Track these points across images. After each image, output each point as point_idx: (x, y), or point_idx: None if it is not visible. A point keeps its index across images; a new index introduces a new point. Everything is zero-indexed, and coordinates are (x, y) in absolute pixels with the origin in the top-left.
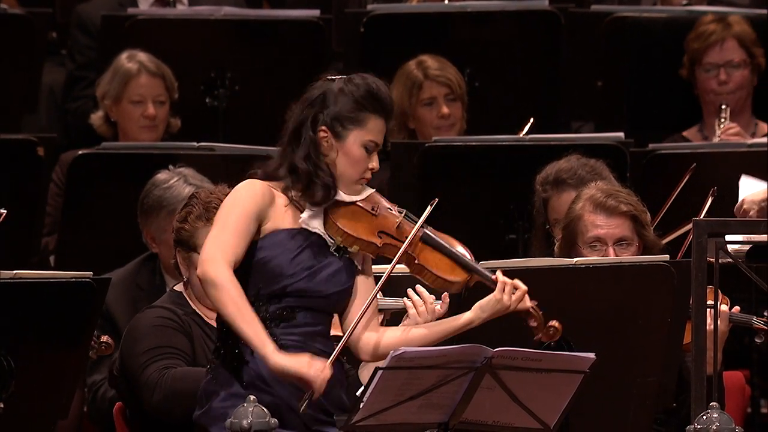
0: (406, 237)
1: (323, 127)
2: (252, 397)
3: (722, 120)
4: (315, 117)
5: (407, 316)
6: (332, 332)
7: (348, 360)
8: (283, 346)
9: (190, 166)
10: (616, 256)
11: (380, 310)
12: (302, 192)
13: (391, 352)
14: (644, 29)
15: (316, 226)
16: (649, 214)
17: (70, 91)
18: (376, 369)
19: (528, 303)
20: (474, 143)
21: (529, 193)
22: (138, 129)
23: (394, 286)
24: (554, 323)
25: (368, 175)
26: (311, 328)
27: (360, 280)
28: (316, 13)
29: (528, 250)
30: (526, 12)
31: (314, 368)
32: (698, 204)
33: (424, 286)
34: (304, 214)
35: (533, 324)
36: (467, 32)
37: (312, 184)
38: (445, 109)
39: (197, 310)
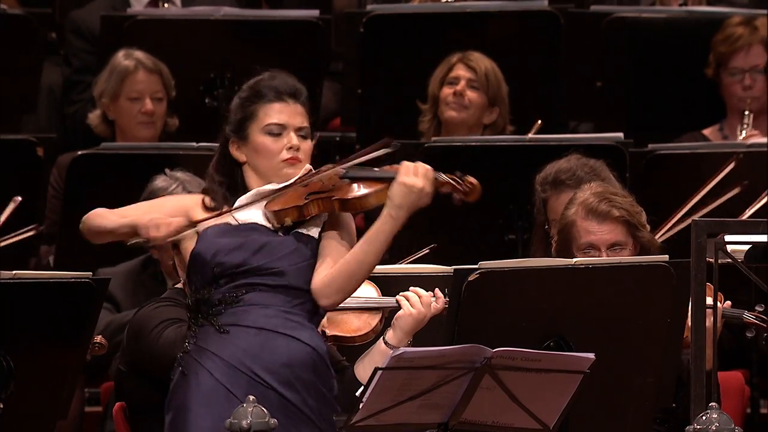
0: (330, 185)
1: (232, 140)
2: (251, 397)
3: (745, 126)
4: (225, 136)
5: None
6: (330, 332)
7: (348, 359)
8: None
9: (189, 166)
10: None
11: (377, 309)
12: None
13: (391, 352)
14: (644, 29)
15: (249, 216)
16: (644, 213)
17: (67, 96)
18: (376, 369)
19: (431, 169)
20: (474, 143)
21: (528, 193)
22: (136, 126)
23: (390, 286)
24: (470, 179)
25: (288, 155)
26: (263, 310)
27: (328, 237)
28: (315, 13)
29: (527, 250)
30: (526, 12)
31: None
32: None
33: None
34: (234, 213)
35: (446, 190)
36: (466, 32)
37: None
38: (462, 85)
39: None
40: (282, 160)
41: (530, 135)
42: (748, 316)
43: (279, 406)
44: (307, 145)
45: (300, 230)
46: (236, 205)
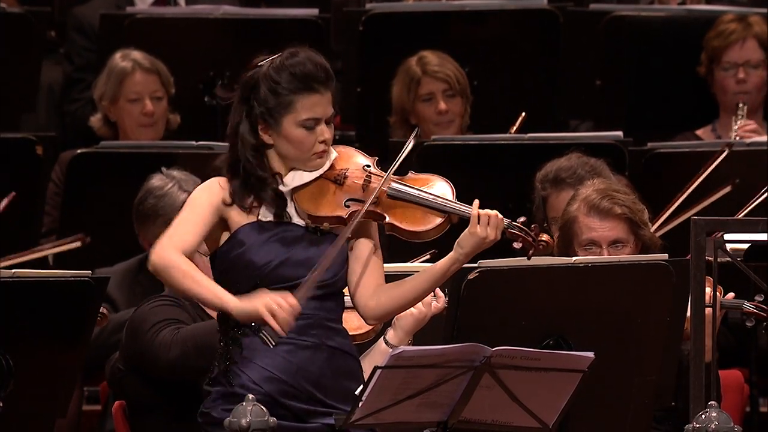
0: (375, 198)
1: (259, 121)
2: (251, 396)
3: (739, 117)
4: (249, 112)
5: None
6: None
7: None
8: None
9: (188, 165)
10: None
11: None
12: (238, 191)
13: (390, 351)
14: (643, 28)
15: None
16: (647, 211)
17: (68, 93)
18: (375, 368)
19: (504, 222)
20: (472, 142)
21: (527, 192)
22: (137, 127)
23: None
24: (544, 237)
25: (320, 147)
26: (305, 321)
27: (362, 246)
28: (314, 11)
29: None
30: (525, 11)
31: (261, 299)
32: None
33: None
34: (263, 208)
35: (520, 245)
36: (466, 31)
37: (246, 186)
38: (442, 105)
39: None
40: (314, 153)
41: (514, 129)
42: (748, 306)
43: (327, 415)
44: (332, 131)
45: (336, 232)
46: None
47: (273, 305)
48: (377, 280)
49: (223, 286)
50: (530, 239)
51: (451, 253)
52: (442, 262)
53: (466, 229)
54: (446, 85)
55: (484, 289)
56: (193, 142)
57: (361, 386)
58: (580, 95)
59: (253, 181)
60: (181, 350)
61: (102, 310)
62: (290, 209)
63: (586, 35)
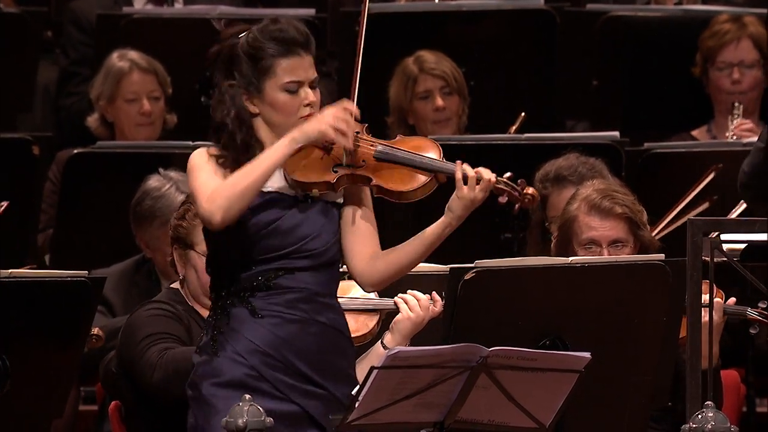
0: (362, 161)
1: (242, 91)
2: (247, 396)
3: (735, 116)
4: (232, 86)
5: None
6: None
7: None
8: (261, 315)
9: (185, 165)
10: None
11: (374, 311)
12: (225, 152)
13: (386, 351)
14: (639, 28)
15: (271, 183)
16: (645, 213)
17: (63, 87)
18: (372, 368)
19: (492, 181)
20: (469, 142)
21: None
22: (135, 127)
23: (388, 287)
24: (530, 190)
25: (305, 111)
26: (295, 295)
27: (355, 213)
28: (311, 11)
29: (523, 249)
30: (522, 11)
31: (322, 120)
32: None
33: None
34: None
35: (505, 199)
36: (462, 31)
37: (232, 153)
38: (439, 102)
39: (194, 307)
40: (300, 116)
41: (514, 129)
42: (752, 313)
43: (312, 393)
44: (318, 95)
45: (326, 199)
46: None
47: (337, 123)
48: (372, 247)
49: (213, 257)
50: (516, 193)
51: (442, 218)
52: (435, 226)
53: (454, 193)
54: (443, 83)
55: (481, 289)
56: (190, 142)
57: (357, 387)
58: (577, 95)
59: (239, 146)
60: (164, 374)
61: (97, 332)
62: (279, 177)
63: (583, 35)
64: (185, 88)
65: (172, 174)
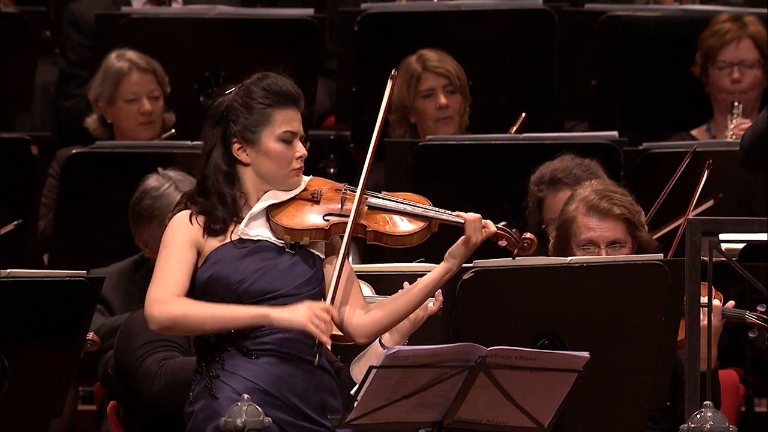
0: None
1: (235, 140)
2: (246, 396)
3: (735, 115)
4: (224, 134)
5: None
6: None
7: (341, 359)
8: (255, 355)
9: (184, 164)
10: None
11: None
12: (210, 216)
13: (385, 351)
14: (638, 28)
15: (258, 232)
16: (643, 213)
17: (62, 89)
18: (370, 368)
19: (493, 229)
20: (468, 142)
21: (523, 192)
22: (135, 127)
23: (387, 285)
24: (528, 235)
25: (297, 164)
26: (285, 335)
27: (342, 267)
28: (310, 11)
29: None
30: (520, 11)
31: (303, 313)
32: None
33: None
34: (242, 225)
35: (504, 244)
36: (461, 31)
37: (213, 210)
38: (442, 99)
39: None
40: (292, 169)
41: (514, 129)
42: (750, 317)
43: (309, 430)
44: (306, 151)
45: (310, 249)
46: (248, 216)
47: (316, 319)
48: (360, 300)
49: None
50: (514, 238)
51: (443, 263)
52: (435, 273)
53: (461, 239)
54: (446, 80)
55: (480, 289)
56: (188, 142)
57: (357, 386)
58: (575, 95)
59: (225, 201)
60: (164, 385)
61: (92, 336)
62: (265, 228)
63: (581, 35)
64: (183, 87)
65: (171, 173)
